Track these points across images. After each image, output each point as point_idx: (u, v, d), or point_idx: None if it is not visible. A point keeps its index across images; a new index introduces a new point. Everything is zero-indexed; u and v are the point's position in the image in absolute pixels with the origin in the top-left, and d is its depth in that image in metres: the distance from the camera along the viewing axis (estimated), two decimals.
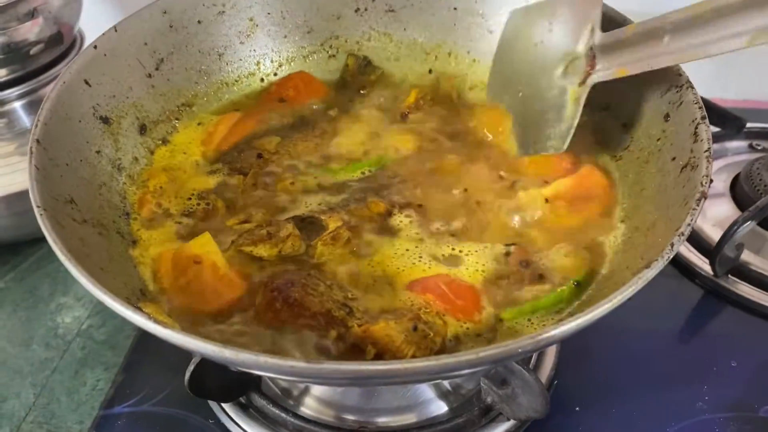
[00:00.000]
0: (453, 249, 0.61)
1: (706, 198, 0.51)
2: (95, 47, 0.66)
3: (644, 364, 0.71)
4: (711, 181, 0.52)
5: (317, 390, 0.68)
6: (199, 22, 0.75)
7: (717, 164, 0.91)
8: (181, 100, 0.75)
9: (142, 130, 0.70)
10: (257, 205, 0.66)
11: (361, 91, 0.80)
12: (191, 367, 0.59)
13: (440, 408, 0.67)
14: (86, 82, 0.64)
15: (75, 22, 0.93)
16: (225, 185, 0.68)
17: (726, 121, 0.90)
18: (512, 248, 0.61)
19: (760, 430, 0.65)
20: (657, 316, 0.76)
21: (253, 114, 0.77)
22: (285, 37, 0.81)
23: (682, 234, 0.48)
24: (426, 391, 0.67)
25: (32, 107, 0.88)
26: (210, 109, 0.77)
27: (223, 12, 0.77)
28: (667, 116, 0.62)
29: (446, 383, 0.68)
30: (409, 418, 0.66)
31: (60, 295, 0.88)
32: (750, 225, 0.75)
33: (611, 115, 0.69)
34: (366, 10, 0.81)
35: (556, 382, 0.69)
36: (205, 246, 0.59)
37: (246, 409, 0.66)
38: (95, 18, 0.96)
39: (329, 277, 0.58)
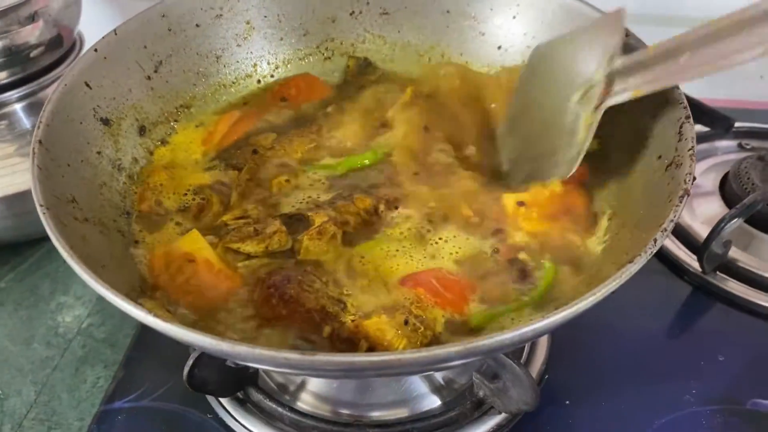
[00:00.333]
0: (437, 243, 0.63)
1: (689, 195, 0.52)
2: (96, 50, 0.67)
3: (633, 358, 0.72)
4: (694, 178, 0.54)
5: (313, 385, 0.69)
6: (197, 25, 0.77)
7: (706, 163, 0.93)
8: (180, 102, 0.76)
9: (142, 131, 0.71)
10: (251, 201, 0.67)
11: (361, 91, 0.82)
12: (190, 362, 0.60)
13: (433, 402, 0.68)
14: (87, 85, 0.65)
15: (75, 25, 0.94)
16: (221, 181, 0.70)
17: (715, 120, 0.91)
18: (498, 244, 0.63)
19: (746, 422, 0.67)
20: (646, 312, 0.77)
21: (254, 113, 0.78)
22: (281, 39, 0.82)
23: (665, 229, 0.50)
24: (419, 385, 0.69)
25: (32, 109, 0.89)
26: (208, 111, 0.78)
27: (221, 15, 0.78)
28: (653, 115, 0.63)
29: (439, 378, 0.69)
30: (403, 412, 0.67)
31: (60, 294, 0.89)
32: (737, 222, 0.77)
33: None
34: (360, 12, 0.83)
35: (546, 376, 0.70)
36: (195, 243, 0.61)
37: (243, 403, 0.67)
38: (94, 21, 0.97)
39: (324, 274, 0.59)
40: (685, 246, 0.83)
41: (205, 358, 0.61)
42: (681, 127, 0.59)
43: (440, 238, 0.63)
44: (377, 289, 0.59)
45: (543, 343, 0.72)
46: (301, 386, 0.69)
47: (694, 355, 0.73)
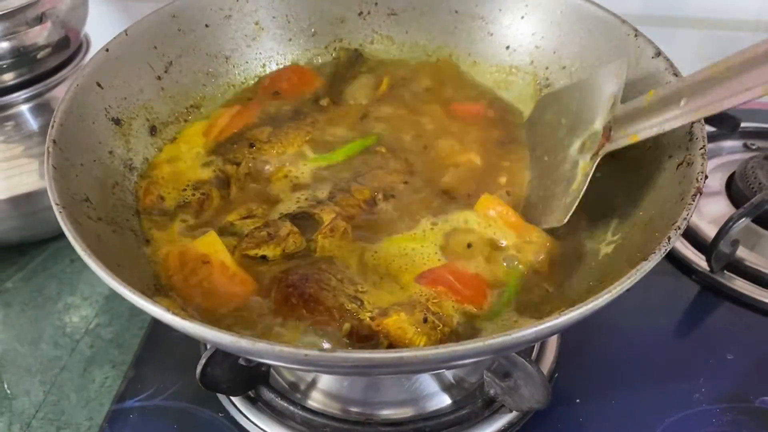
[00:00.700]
0: (445, 236, 0.64)
1: (701, 193, 0.53)
2: (107, 50, 0.67)
3: (642, 357, 0.73)
4: (706, 177, 0.54)
5: (324, 383, 0.69)
6: (206, 25, 0.77)
7: (713, 163, 0.93)
8: (190, 102, 0.76)
9: (153, 131, 0.72)
10: (251, 195, 0.67)
11: (351, 82, 0.82)
12: (202, 361, 0.61)
13: (444, 401, 0.69)
14: (98, 85, 0.66)
15: (81, 27, 0.94)
16: (219, 176, 0.70)
17: (721, 120, 0.92)
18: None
19: (755, 420, 0.67)
20: (655, 311, 0.77)
21: (251, 107, 0.78)
22: (290, 40, 0.83)
23: (679, 228, 0.50)
24: (430, 384, 0.69)
25: (39, 110, 0.89)
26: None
27: (230, 16, 0.78)
28: None
29: (450, 376, 0.69)
30: (413, 411, 0.68)
31: (67, 294, 0.90)
32: (745, 221, 0.77)
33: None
34: (369, 13, 0.83)
35: (556, 375, 0.70)
36: (212, 245, 0.61)
37: (255, 402, 0.68)
38: (100, 23, 0.97)
39: (338, 271, 0.60)
40: (693, 245, 0.83)
41: (218, 357, 0.62)
42: (692, 126, 0.59)
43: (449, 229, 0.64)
44: (390, 285, 0.59)
45: (552, 342, 0.72)
46: (312, 385, 0.70)
47: (703, 354, 0.73)
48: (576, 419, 0.67)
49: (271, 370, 0.69)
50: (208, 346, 0.71)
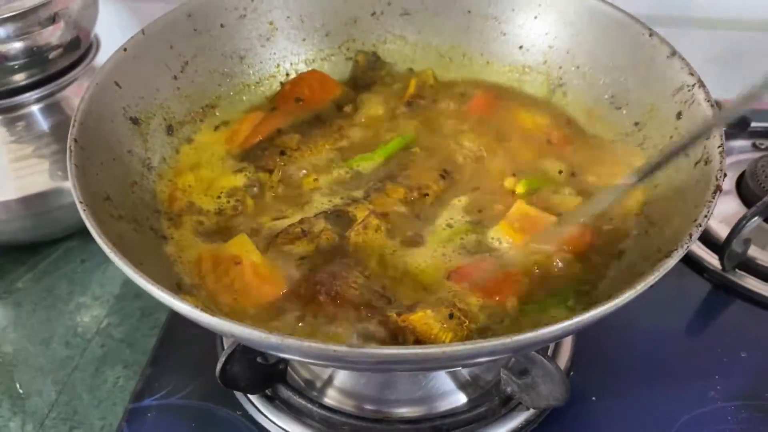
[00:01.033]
0: (480, 235, 0.64)
1: (721, 191, 0.53)
2: (125, 50, 0.68)
3: (657, 355, 0.73)
4: (725, 174, 0.55)
5: (339, 381, 0.70)
6: (221, 25, 0.77)
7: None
8: (205, 102, 0.77)
9: (170, 130, 0.72)
10: (285, 202, 0.68)
11: (372, 86, 0.83)
12: (222, 359, 0.61)
13: (459, 399, 0.69)
14: (117, 84, 0.66)
15: (92, 27, 0.95)
16: (252, 183, 0.70)
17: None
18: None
19: None
20: (668, 310, 0.78)
21: (274, 114, 0.79)
22: (304, 40, 0.83)
23: (700, 225, 0.51)
24: (446, 382, 0.69)
25: (49, 110, 0.89)
26: (233, 111, 0.79)
27: (245, 16, 0.79)
28: (679, 114, 0.64)
29: (466, 374, 0.70)
30: (429, 409, 0.68)
31: (78, 294, 0.90)
32: (757, 221, 0.78)
33: (624, 114, 0.71)
34: (382, 13, 0.83)
35: (572, 373, 0.71)
36: (243, 246, 0.61)
37: (272, 400, 0.68)
38: (109, 23, 0.98)
39: (367, 268, 0.60)
40: (704, 244, 0.84)
41: (236, 355, 0.62)
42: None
43: (484, 234, 0.65)
44: (418, 282, 0.60)
45: (567, 340, 0.72)
46: (328, 382, 0.70)
47: (717, 352, 0.73)
48: (593, 416, 0.67)
49: (288, 368, 0.69)
50: (226, 346, 0.71)
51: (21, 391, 0.78)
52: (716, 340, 0.75)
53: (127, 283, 0.89)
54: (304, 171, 0.71)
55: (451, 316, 0.54)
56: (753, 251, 0.81)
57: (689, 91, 0.63)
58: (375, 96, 0.81)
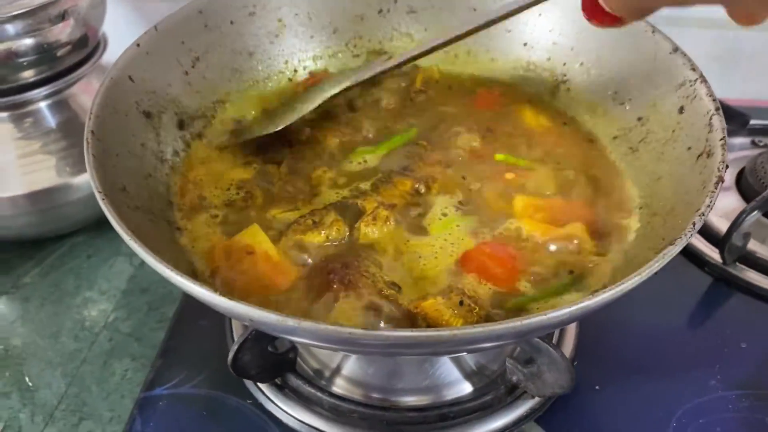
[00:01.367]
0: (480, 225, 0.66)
1: (723, 182, 0.55)
2: (138, 45, 0.69)
3: (659, 346, 0.75)
4: (727, 166, 0.56)
5: (347, 370, 0.71)
6: (231, 22, 0.78)
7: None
8: (216, 97, 0.78)
9: (181, 125, 0.73)
10: (295, 194, 0.69)
11: (381, 83, 0.84)
12: (234, 347, 0.62)
13: (465, 388, 0.70)
14: (130, 78, 0.67)
15: (100, 25, 0.95)
16: (261, 175, 0.71)
17: (731, 117, 0.94)
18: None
19: None
20: (670, 302, 0.79)
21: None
22: (311, 37, 0.84)
23: (703, 214, 0.52)
24: (452, 371, 0.71)
25: (57, 107, 0.90)
26: (242, 108, 0.80)
27: (254, 13, 0.80)
28: (681, 109, 0.65)
29: (471, 363, 0.71)
30: (435, 398, 0.69)
31: (85, 289, 0.91)
32: (756, 215, 0.79)
33: (628, 110, 0.72)
34: (388, 11, 0.85)
35: (575, 363, 0.72)
36: (255, 236, 0.63)
37: (282, 389, 0.69)
38: (117, 22, 0.99)
39: (378, 259, 0.62)
40: (705, 238, 0.85)
41: (248, 344, 0.63)
42: (711, 118, 0.61)
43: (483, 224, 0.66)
44: (428, 272, 0.61)
45: (571, 330, 0.74)
46: (336, 371, 0.71)
47: (718, 343, 0.75)
48: (596, 404, 0.69)
49: (298, 357, 0.70)
50: (236, 336, 0.72)
51: (30, 383, 0.79)
52: (717, 332, 0.76)
53: (134, 278, 0.91)
54: (312, 163, 0.72)
55: (461, 303, 0.56)
56: (752, 245, 0.83)
57: (691, 86, 0.65)
58: (383, 92, 0.82)
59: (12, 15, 0.80)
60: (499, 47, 0.83)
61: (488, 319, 0.56)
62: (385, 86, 0.83)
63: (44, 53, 0.86)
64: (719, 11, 1.05)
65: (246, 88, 0.81)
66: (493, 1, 0.81)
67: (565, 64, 0.79)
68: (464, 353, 0.69)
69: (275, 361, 0.67)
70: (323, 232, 0.63)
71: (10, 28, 0.80)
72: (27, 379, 0.79)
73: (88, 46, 0.93)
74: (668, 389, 0.70)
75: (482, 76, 0.84)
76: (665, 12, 1.10)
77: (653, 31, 0.70)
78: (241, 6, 0.79)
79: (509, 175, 0.71)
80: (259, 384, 0.69)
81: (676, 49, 0.68)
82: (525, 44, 0.81)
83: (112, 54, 0.93)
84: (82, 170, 0.86)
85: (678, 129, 0.65)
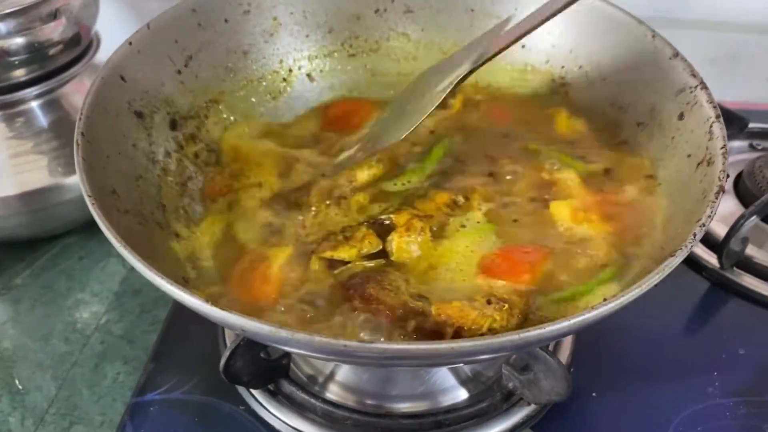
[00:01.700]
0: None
1: (724, 191, 0.54)
2: (130, 44, 0.68)
3: (656, 352, 0.74)
4: (727, 176, 0.55)
5: (341, 376, 0.70)
6: (225, 20, 0.77)
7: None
8: (209, 97, 0.76)
9: (173, 125, 0.72)
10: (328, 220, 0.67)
11: None
12: (227, 354, 0.61)
13: (460, 395, 0.69)
14: (122, 78, 0.66)
15: (93, 24, 0.94)
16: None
17: (730, 121, 0.93)
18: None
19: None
20: (667, 307, 0.79)
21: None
22: (307, 36, 0.83)
23: (704, 225, 0.51)
24: (448, 378, 0.70)
25: (49, 107, 0.89)
26: (238, 109, 0.79)
27: (248, 11, 0.79)
28: (681, 115, 0.65)
29: (467, 370, 0.70)
30: (430, 405, 0.68)
31: (77, 291, 0.90)
32: (754, 220, 0.78)
33: (627, 115, 0.72)
34: (385, 10, 0.84)
35: (572, 369, 0.71)
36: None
37: (275, 395, 0.68)
38: (110, 20, 0.97)
39: (407, 272, 0.60)
40: (703, 243, 0.84)
41: (241, 350, 0.62)
42: (711, 126, 0.60)
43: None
44: (458, 282, 0.60)
45: (568, 337, 0.73)
46: (330, 377, 0.70)
47: (715, 349, 0.74)
48: (593, 411, 0.68)
49: (291, 363, 0.69)
50: (228, 341, 0.71)
51: (20, 386, 0.78)
52: (714, 338, 0.76)
53: (126, 280, 0.89)
54: (345, 189, 0.69)
55: (489, 302, 0.54)
56: (750, 250, 0.82)
57: (691, 92, 0.64)
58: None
59: (2, 14, 0.78)
60: None
61: (522, 316, 0.55)
62: None
63: (35, 52, 0.85)
64: (718, 13, 1.04)
65: (240, 88, 0.79)
66: (491, 2, 0.80)
67: (563, 67, 0.79)
68: (462, 365, 0.68)
69: (268, 367, 0.66)
70: (355, 246, 0.61)
71: (1, 27, 0.79)
72: (17, 381, 0.78)
73: (80, 45, 0.92)
74: (666, 396, 0.69)
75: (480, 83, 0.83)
76: (663, 13, 1.09)
77: (654, 36, 0.70)
78: (236, 4, 0.78)
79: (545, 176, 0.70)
80: (252, 390, 0.68)
81: (676, 54, 0.67)
82: (523, 46, 0.80)
83: (105, 53, 0.91)
84: (74, 171, 0.85)
85: (678, 136, 0.64)
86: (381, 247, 0.62)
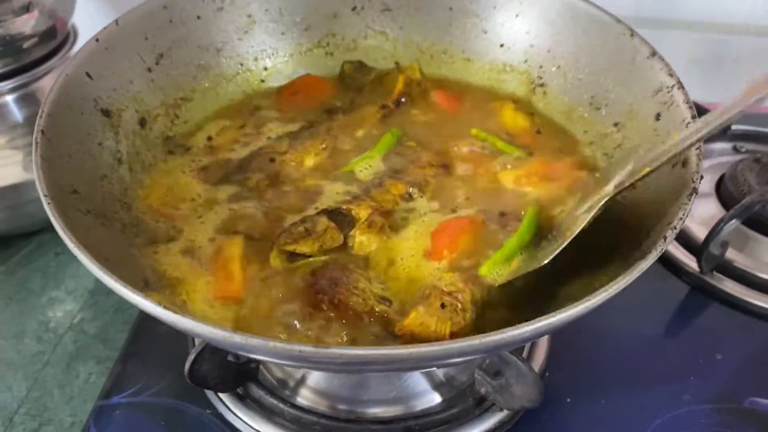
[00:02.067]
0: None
1: (697, 193, 0.53)
2: (97, 40, 0.66)
3: (632, 357, 0.73)
4: (701, 177, 0.54)
5: (313, 380, 0.69)
6: (198, 17, 0.76)
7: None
8: (180, 94, 0.75)
9: (142, 123, 0.70)
10: (281, 205, 0.67)
11: (361, 91, 0.82)
12: (191, 357, 0.60)
13: (434, 399, 0.68)
14: (88, 75, 0.64)
15: (69, 17, 0.93)
16: (238, 195, 0.68)
17: None
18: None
19: (744, 420, 0.67)
20: (645, 311, 0.78)
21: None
22: (282, 33, 0.82)
23: (675, 228, 0.50)
24: (420, 382, 0.69)
25: (24, 101, 0.88)
26: (208, 106, 0.78)
27: (222, 8, 0.77)
28: (658, 116, 0.64)
29: (440, 375, 0.69)
30: (403, 409, 0.67)
31: (51, 289, 0.89)
32: (734, 223, 0.77)
33: (604, 114, 0.71)
34: (363, 8, 0.82)
35: (547, 374, 0.70)
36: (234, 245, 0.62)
37: (243, 399, 0.67)
38: (88, 13, 0.96)
39: (369, 268, 0.60)
40: (683, 246, 0.83)
41: (207, 353, 0.61)
42: (687, 127, 0.59)
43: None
44: (411, 272, 0.59)
45: (543, 341, 0.72)
46: (301, 382, 0.69)
47: (693, 354, 0.73)
48: (567, 417, 0.67)
49: (261, 366, 0.68)
50: (197, 342, 0.70)
51: None
52: (692, 342, 0.75)
53: None
54: (298, 175, 0.70)
55: (443, 306, 0.54)
56: (731, 254, 0.81)
57: (668, 92, 0.63)
58: (364, 98, 0.80)
59: None
60: (476, 48, 0.81)
61: (473, 315, 0.55)
62: (366, 94, 0.81)
63: (8, 45, 0.84)
64: (703, 14, 1.03)
65: (213, 85, 0.78)
66: (469, 1, 0.79)
67: (541, 66, 0.77)
68: (428, 369, 0.67)
69: (236, 370, 0.65)
70: (317, 240, 0.60)
71: None
72: None
73: (56, 39, 0.91)
74: (641, 402, 0.68)
75: (456, 78, 0.82)
76: (649, 14, 1.09)
77: (632, 35, 0.69)
78: (209, 0, 0.76)
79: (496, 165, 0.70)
80: (220, 394, 0.67)
81: (653, 53, 0.66)
82: (502, 45, 0.79)
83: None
84: None
85: (654, 136, 0.63)
86: (342, 241, 0.62)
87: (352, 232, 0.62)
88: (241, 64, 0.80)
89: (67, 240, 0.48)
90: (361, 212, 0.63)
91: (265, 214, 0.65)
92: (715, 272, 0.81)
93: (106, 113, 0.66)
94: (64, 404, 0.75)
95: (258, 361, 0.66)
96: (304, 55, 0.83)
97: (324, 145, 0.72)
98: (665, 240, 0.49)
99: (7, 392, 0.76)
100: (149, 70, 0.72)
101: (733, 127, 0.96)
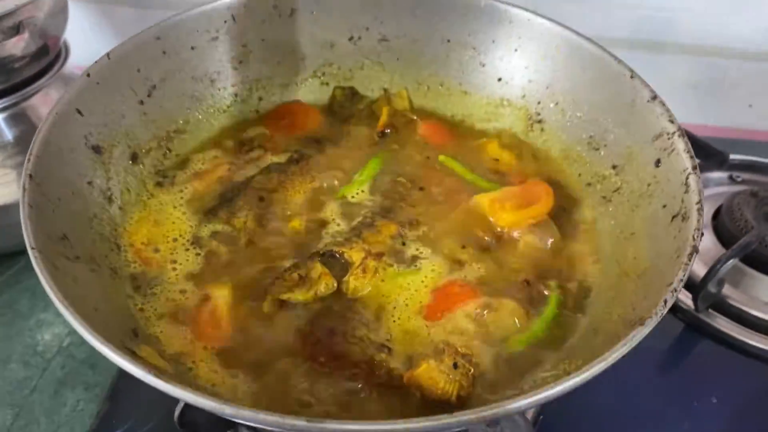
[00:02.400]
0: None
1: (697, 252, 0.52)
2: (88, 75, 0.65)
3: (627, 398, 0.72)
4: (702, 234, 0.54)
5: None
6: (192, 48, 0.74)
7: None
8: (173, 127, 0.74)
9: (134, 158, 0.69)
10: (271, 246, 0.66)
11: (350, 120, 0.81)
12: (182, 403, 0.59)
13: None
14: (78, 112, 0.63)
15: (61, 34, 0.91)
16: (224, 234, 0.67)
17: (709, 155, 0.92)
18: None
19: None
20: (640, 350, 0.76)
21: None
22: (278, 63, 0.81)
23: (675, 290, 0.50)
24: None
25: (14, 120, 0.86)
26: (201, 138, 0.76)
27: (217, 38, 0.76)
28: (658, 162, 0.63)
29: None
30: None
31: (40, 310, 0.87)
32: (733, 262, 0.77)
33: (603, 155, 0.70)
34: (360, 38, 0.81)
35: (541, 417, 0.70)
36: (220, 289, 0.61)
37: None
38: (80, 28, 0.94)
39: (365, 315, 0.59)
40: None
41: None
42: (687, 178, 0.58)
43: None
44: (413, 323, 0.59)
45: None
46: None
47: (688, 396, 0.73)
48: None
49: None
50: None
51: None
52: (687, 383, 0.75)
53: None
54: (288, 211, 0.69)
55: (455, 365, 0.53)
56: (726, 290, 0.80)
57: (669, 139, 0.62)
58: (353, 128, 0.79)
59: None
60: (473, 81, 0.80)
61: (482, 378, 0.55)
62: (355, 123, 0.80)
63: None
64: (700, 38, 1.02)
65: (207, 117, 0.77)
66: (467, 33, 0.78)
67: (539, 102, 0.77)
68: None
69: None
70: (312, 288, 0.59)
71: None
72: None
73: (48, 56, 0.89)
74: None
75: (452, 111, 0.82)
76: (646, 37, 1.08)
77: (632, 76, 0.68)
78: (203, 31, 0.75)
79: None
80: None
81: (654, 97, 0.65)
82: (499, 80, 0.79)
83: (75, 62, 0.89)
84: None
85: (654, 183, 0.63)
86: (336, 287, 0.61)
87: (346, 278, 0.61)
88: (236, 95, 0.79)
89: (52, 296, 0.47)
90: (354, 255, 0.62)
91: (251, 258, 0.64)
92: (710, 310, 0.80)
93: (97, 150, 0.65)
94: None
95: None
96: (300, 84, 0.82)
97: (314, 183, 0.72)
98: (665, 304, 0.49)
99: None
100: (141, 102, 0.71)
101: (731, 156, 0.96)
